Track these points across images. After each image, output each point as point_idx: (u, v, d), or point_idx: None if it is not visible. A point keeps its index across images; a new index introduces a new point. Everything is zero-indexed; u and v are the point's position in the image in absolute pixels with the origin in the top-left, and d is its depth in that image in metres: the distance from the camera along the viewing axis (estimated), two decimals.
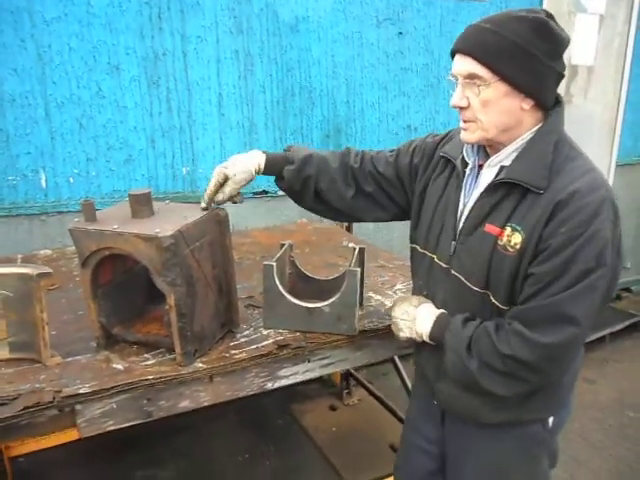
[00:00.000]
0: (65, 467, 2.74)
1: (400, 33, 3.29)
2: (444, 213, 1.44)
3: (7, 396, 1.38)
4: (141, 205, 1.53)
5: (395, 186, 1.61)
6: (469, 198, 1.38)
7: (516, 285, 1.27)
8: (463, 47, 1.24)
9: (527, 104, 1.24)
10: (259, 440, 3.06)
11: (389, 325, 1.84)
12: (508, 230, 1.26)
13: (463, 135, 1.32)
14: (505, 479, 1.48)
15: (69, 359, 1.58)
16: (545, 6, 3.66)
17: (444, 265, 1.42)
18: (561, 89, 4.36)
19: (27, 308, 1.53)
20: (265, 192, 3.08)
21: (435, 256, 1.46)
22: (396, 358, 2.85)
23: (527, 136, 1.28)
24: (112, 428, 1.50)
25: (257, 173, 1.59)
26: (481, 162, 1.38)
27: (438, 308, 1.45)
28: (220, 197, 1.57)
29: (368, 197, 1.64)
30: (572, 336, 1.20)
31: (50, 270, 1.52)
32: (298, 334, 1.75)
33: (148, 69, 2.68)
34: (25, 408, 1.36)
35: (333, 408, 3.39)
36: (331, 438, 3.09)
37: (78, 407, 1.43)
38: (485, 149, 1.38)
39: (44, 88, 2.50)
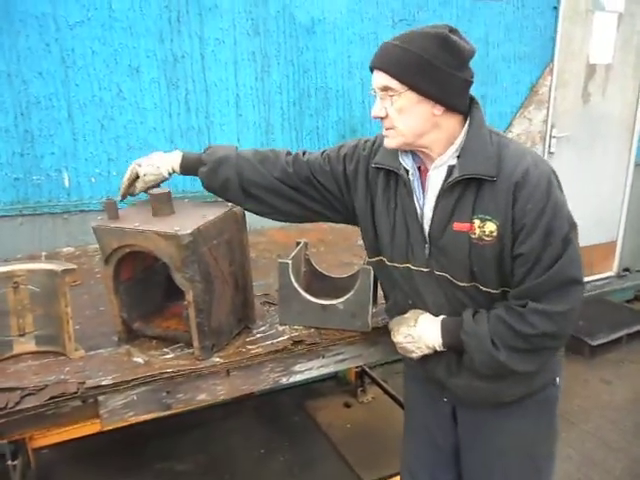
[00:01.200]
0: (85, 459, 2.81)
1: None
2: (405, 222, 1.46)
3: (34, 387, 1.45)
4: (161, 204, 1.58)
5: (334, 194, 1.59)
6: (423, 202, 1.43)
7: (503, 269, 1.35)
8: (376, 63, 1.34)
9: (438, 110, 1.33)
10: (274, 436, 3.11)
11: None
12: (477, 222, 1.33)
13: (385, 142, 1.40)
14: (529, 448, 1.56)
15: (92, 352, 1.64)
16: (563, 5, 3.65)
17: (424, 269, 1.45)
18: (579, 88, 4.30)
19: (52, 303, 1.59)
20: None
21: (409, 264, 1.48)
22: None
23: (461, 136, 1.36)
24: (132, 419, 1.56)
25: (170, 174, 1.64)
26: (418, 165, 1.45)
27: (432, 312, 1.49)
28: (132, 191, 1.65)
29: (310, 204, 1.62)
30: (580, 293, 1.34)
31: (74, 266, 1.59)
32: (313, 330, 1.79)
33: (167, 71, 2.74)
34: (51, 398, 1.42)
35: (347, 405, 3.42)
36: (345, 435, 3.12)
37: (101, 398, 1.49)
38: (416, 153, 1.43)
39: (67, 90, 2.57)
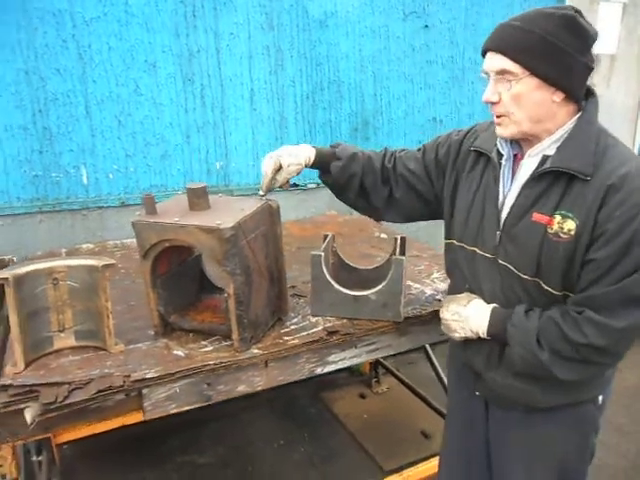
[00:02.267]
0: (106, 453, 2.83)
1: (426, 26, 3.33)
2: (483, 205, 1.47)
3: (80, 381, 1.46)
4: (198, 198, 1.60)
5: (424, 182, 1.66)
6: (509, 189, 1.41)
7: (571, 271, 1.29)
8: (494, 45, 1.29)
9: (558, 97, 1.28)
10: (293, 427, 3.14)
11: (431, 312, 1.93)
12: (558, 217, 1.29)
13: (497, 130, 1.36)
14: (557, 460, 1.52)
15: (131, 346, 1.66)
16: None
17: (489, 256, 1.44)
18: None
19: (92, 298, 1.61)
20: (295, 185, 3.14)
21: (476, 248, 1.48)
22: (427, 346, 2.91)
23: (568, 126, 1.32)
24: (175, 411, 1.58)
25: (306, 165, 1.66)
26: (515, 152, 1.43)
27: (486, 300, 1.47)
28: (273, 184, 1.64)
29: (399, 200, 1.71)
30: None
31: (114, 261, 1.60)
32: (345, 321, 1.82)
33: (183, 66, 2.74)
34: (98, 392, 1.44)
35: (363, 396, 3.45)
36: (363, 425, 3.15)
37: (145, 391, 1.51)
38: (517, 141, 1.42)
39: (85, 87, 2.57)
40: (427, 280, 2.20)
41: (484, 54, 1.34)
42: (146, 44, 2.64)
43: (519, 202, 1.37)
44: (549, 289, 1.34)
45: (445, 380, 2.71)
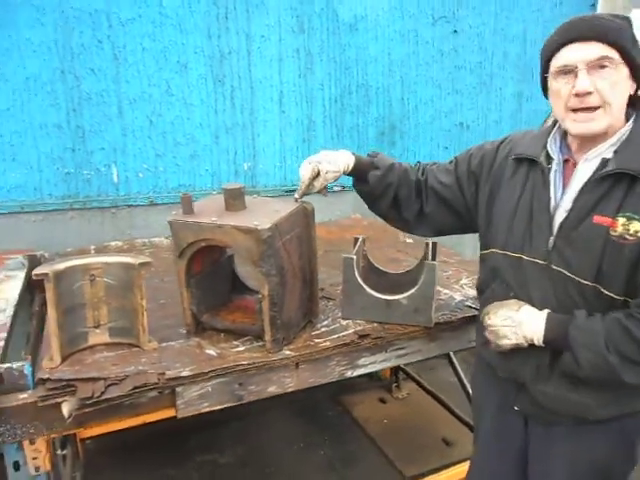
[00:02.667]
0: (128, 450, 2.86)
1: (455, 31, 3.32)
2: (529, 211, 1.44)
3: (115, 377, 1.47)
4: (235, 199, 1.61)
5: (456, 194, 1.65)
6: (563, 193, 1.39)
7: (636, 274, 1.27)
8: (590, 33, 1.27)
9: (632, 90, 1.30)
10: (312, 430, 3.13)
11: (461, 318, 1.91)
12: (622, 220, 1.27)
13: (587, 127, 1.31)
14: (601, 472, 1.48)
15: (163, 344, 1.67)
16: (600, 3, 3.65)
17: (540, 261, 1.40)
18: None
19: (127, 295, 1.62)
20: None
21: (523, 254, 1.44)
22: (451, 353, 2.89)
23: (625, 129, 1.32)
24: (207, 409, 1.59)
25: (344, 173, 1.66)
26: (565, 157, 1.41)
27: (536, 308, 1.41)
28: (310, 190, 1.64)
29: (429, 214, 1.71)
30: None
31: (150, 260, 1.61)
32: (375, 325, 1.81)
33: (214, 67, 2.77)
34: (134, 388, 1.45)
35: (383, 401, 3.44)
36: (383, 430, 3.14)
37: (178, 389, 1.52)
38: (567, 145, 1.41)
39: (118, 87, 2.61)
40: (456, 286, 2.19)
41: (556, 50, 1.32)
42: (179, 45, 2.67)
43: (579, 205, 1.34)
44: (610, 294, 1.31)
45: (468, 387, 2.70)
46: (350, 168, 1.65)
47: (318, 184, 1.63)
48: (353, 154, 1.67)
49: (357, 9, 3.02)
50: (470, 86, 3.48)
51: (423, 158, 3.42)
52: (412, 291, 1.78)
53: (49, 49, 2.44)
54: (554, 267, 1.38)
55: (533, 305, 1.42)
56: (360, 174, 1.69)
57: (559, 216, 1.38)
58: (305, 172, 1.61)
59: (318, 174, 1.61)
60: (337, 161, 1.62)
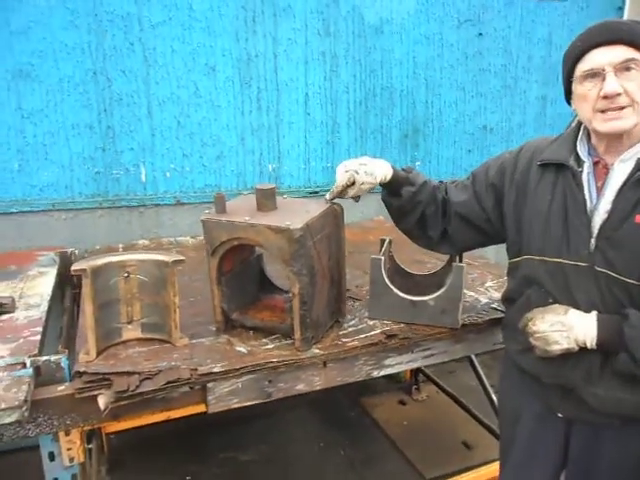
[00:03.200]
0: (152, 446, 2.90)
1: (480, 34, 3.32)
2: (564, 215, 1.44)
3: (149, 371, 1.51)
4: (267, 199, 1.64)
5: (475, 210, 1.67)
6: (599, 194, 1.40)
7: None
8: (614, 37, 1.31)
9: None
10: (332, 430, 3.15)
11: (488, 320, 1.92)
12: None
13: (614, 124, 1.33)
14: None
15: (194, 341, 1.71)
16: (628, 6, 3.62)
17: (583, 264, 1.39)
18: None
19: (160, 292, 1.66)
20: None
21: (562, 259, 1.44)
22: (473, 356, 2.88)
23: None
24: (236, 405, 1.62)
25: (380, 184, 1.67)
26: (596, 160, 1.42)
27: (582, 311, 1.41)
28: (343, 195, 1.66)
29: (452, 234, 1.73)
30: None
31: (183, 257, 1.65)
32: (402, 325, 1.83)
33: (241, 70, 2.81)
34: (168, 383, 1.48)
35: (402, 403, 3.45)
36: (403, 432, 3.15)
37: (210, 385, 1.55)
38: (594, 149, 1.43)
39: (148, 88, 2.66)
40: (481, 288, 2.19)
41: (581, 54, 1.35)
42: (207, 48, 2.72)
43: (620, 206, 1.35)
44: None
45: (490, 390, 2.69)
46: (387, 180, 1.66)
47: (352, 192, 1.64)
48: (392, 167, 1.68)
49: (383, 12, 3.04)
50: (494, 89, 3.47)
51: (446, 161, 3.45)
52: (439, 292, 1.79)
53: (82, 51, 2.50)
54: (598, 269, 1.38)
55: (578, 309, 1.41)
56: (394, 188, 1.69)
57: (598, 217, 1.39)
58: (341, 179, 1.62)
59: (354, 183, 1.62)
60: (375, 172, 1.62)
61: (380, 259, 1.80)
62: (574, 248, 1.42)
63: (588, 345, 1.38)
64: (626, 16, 3.64)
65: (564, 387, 1.48)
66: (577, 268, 1.41)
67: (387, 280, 1.81)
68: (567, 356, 1.42)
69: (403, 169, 1.72)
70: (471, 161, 3.45)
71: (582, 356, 1.41)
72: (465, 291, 2.14)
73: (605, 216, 1.37)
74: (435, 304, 1.80)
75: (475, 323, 1.89)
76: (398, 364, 1.82)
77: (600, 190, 1.40)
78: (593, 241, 1.39)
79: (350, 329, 1.81)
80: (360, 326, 1.83)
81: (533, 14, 3.45)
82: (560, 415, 1.53)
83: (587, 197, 1.41)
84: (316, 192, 3.09)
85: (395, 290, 1.82)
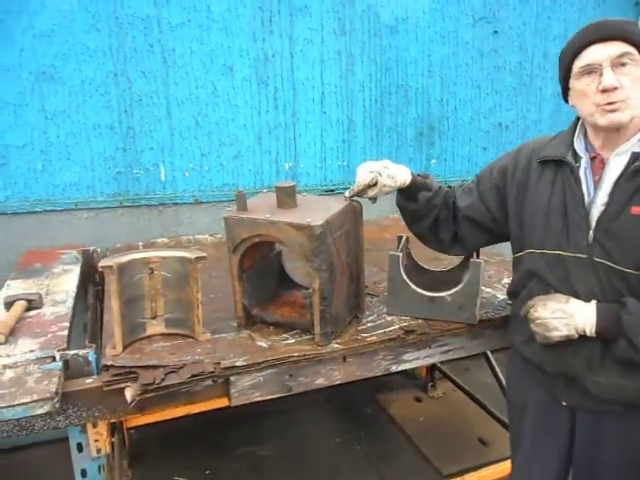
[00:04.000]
0: (172, 441, 2.96)
1: (495, 32, 3.32)
2: (563, 208, 1.49)
3: (174, 365, 1.55)
4: (287, 197, 1.67)
5: (480, 210, 1.73)
6: (596, 188, 1.44)
7: None
8: (610, 33, 1.36)
9: None
10: (349, 426, 3.18)
11: (505, 316, 1.93)
12: None
13: (613, 116, 1.37)
14: None
15: (216, 336, 1.74)
16: None
17: (582, 256, 1.44)
18: None
19: (183, 288, 1.70)
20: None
21: (561, 251, 1.49)
22: (489, 353, 2.89)
23: None
24: (258, 399, 1.65)
25: (398, 188, 1.71)
26: (593, 155, 1.47)
27: (583, 301, 1.44)
28: (362, 194, 1.70)
29: (462, 237, 1.79)
30: None
31: (205, 254, 1.68)
32: (420, 321, 1.85)
33: (258, 70, 2.84)
34: (192, 376, 1.52)
35: (418, 399, 3.46)
36: (419, 428, 3.17)
37: (232, 378, 1.59)
38: (591, 144, 1.48)
39: (167, 88, 2.70)
40: (498, 285, 2.20)
41: (578, 51, 1.39)
42: (225, 48, 2.76)
43: (616, 198, 1.40)
44: None
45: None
46: (406, 185, 1.70)
47: (372, 193, 1.68)
48: (411, 173, 1.72)
49: (398, 11, 3.06)
50: (510, 86, 3.47)
51: (461, 159, 3.45)
52: (457, 288, 1.81)
53: (104, 53, 2.55)
54: (596, 259, 1.43)
55: (579, 299, 1.46)
56: (412, 192, 1.73)
57: (596, 210, 1.44)
58: (364, 179, 1.66)
59: (376, 184, 1.65)
60: (396, 177, 1.66)
61: (398, 256, 1.83)
62: (573, 240, 1.46)
63: (587, 332, 1.42)
64: None
65: (567, 375, 1.53)
66: (576, 259, 1.46)
67: (405, 276, 1.83)
68: (569, 344, 1.47)
69: (419, 175, 1.76)
70: (486, 159, 3.45)
71: (583, 344, 1.46)
72: (482, 287, 2.15)
73: (602, 208, 1.42)
74: (452, 300, 1.82)
75: (492, 319, 1.90)
76: (416, 359, 1.84)
77: (597, 184, 1.45)
78: (591, 233, 1.43)
79: (369, 324, 1.84)
80: (378, 322, 1.86)
81: (549, 11, 3.44)
82: (564, 403, 1.58)
83: (585, 191, 1.46)
84: (332, 190, 3.12)
85: (413, 286, 1.84)
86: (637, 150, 1.39)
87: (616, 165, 1.42)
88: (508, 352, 1.87)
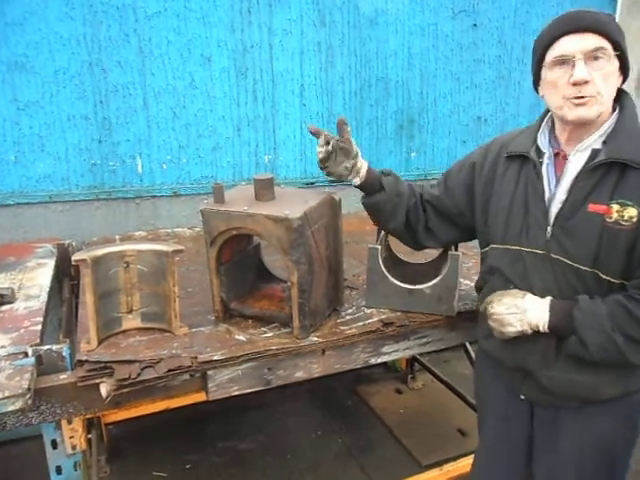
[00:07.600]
0: (150, 436, 2.93)
1: (475, 25, 3.33)
2: (525, 204, 1.49)
3: (150, 360, 1.53)
4: (265, 189, 1.65)
5: (446, 204, 1.72)
6: (557, 184, 1.44)
7: (632, 258, 1.33)
8: (586, 25, 1.32)
9: (619, 84, 1.39)
10: (330, 419, 3.19)
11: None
12: (616, 206, 1.33)
13: (581, 111, 1.35)
14: (607, 453, 1.52)
15: (193, 330, 1.72)
16: None
17: (539, 251, 1.45)
18: (633, 79, 4.34)
19: (159, 281, 1.68)
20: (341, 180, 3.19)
21: (521, 247, 1.49)
22: (467, 344, 2.92)
23: (611, 121, 1.40)
24: (236, 393, 1.64)
25: (358, 171, 1.70)
26: (556, 151, 1.47)
27: (538, 296, 1.46)
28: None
29: (432, 228, 1.78)
30: None
31: (182, 247, 1.66)
32: (399, 313, 1.85)
33: (237, 61, 2.81)
34: (169, 371, 1.50)
35: (399, 391, 3.48)
36: (400, 419, 3.19)
37: (210, 372, 1.57)
38: (556, 139, 1.48)
39: (143, 79, 2.65)
40: (476, 277, 2.21)
41: (552, 41, 1.37)
42: (202, 39, 2.72)
43: (573, 195, 1.40)
44: (608, 278, 1.37)
45: None
46: (364, 174, 1.69)
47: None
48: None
49: (378, 3, 3.04)
50: (489, 80, 3.49)
51: (441, 152, 3.47)
52: (435, 281, 1.82)
53: (78, 42, 2.49)
54: (553, 256, 1.43)
55: (534, 294, 1.47)
56: (374, 183, 1.71)
57: (554, 207, 1.44)
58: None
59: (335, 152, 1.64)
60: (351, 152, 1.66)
61: (377, 248, 1.82)
62: (532, 236, 1.47)
63: (540, 328, 1.44)
64: (619, 7, 3.67)
65: (523, 370, 1.54)
66: (535, 255, 1.47)
67: (384, 269, 1.83)
68: (526, 340, 1.48)
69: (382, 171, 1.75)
70: (466, 152, 3.39)
71: (539, 340, 1.47)
72: (461, 280, 2.16)
73: (560, 205, 1.42)
74: (431, 292, 1.83)
75: (470, 311, 1.91)
76: (395, 351, 1.85)
77: (559, 180, 1.44)
78: (549, 229, 1.44)
79: (348, 317, 1.84)
80: (358, 314, 1.85)
81: (527, 5, 3.46)
82: (522, 397, 1.59)
83: (546, 187, 1.46)
84: (312, 183, 3.11)
85: (392, 279, 1.84)
86: (597, 147, 1.38)
87: (576, 161, 1.41)
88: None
